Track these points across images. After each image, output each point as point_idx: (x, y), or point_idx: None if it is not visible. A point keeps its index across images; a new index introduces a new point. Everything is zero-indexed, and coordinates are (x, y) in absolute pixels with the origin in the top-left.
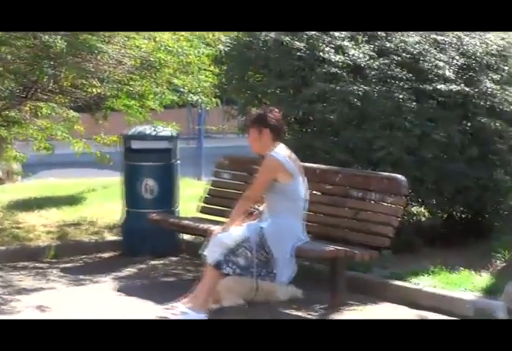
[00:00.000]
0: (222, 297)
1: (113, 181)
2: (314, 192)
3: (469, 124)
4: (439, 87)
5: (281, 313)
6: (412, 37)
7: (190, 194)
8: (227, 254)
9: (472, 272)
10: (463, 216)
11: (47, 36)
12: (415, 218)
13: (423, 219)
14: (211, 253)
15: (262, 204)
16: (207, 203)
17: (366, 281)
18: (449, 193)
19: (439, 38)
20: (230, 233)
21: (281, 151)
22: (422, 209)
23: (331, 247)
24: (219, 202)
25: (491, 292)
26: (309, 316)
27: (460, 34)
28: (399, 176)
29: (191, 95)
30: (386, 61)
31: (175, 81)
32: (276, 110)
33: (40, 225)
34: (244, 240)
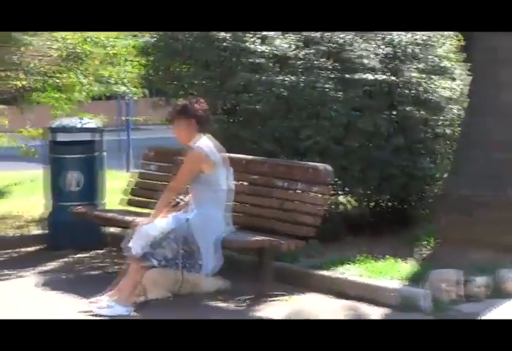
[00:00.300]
0: (148, 290)
1: (41, 174)
2: (241, 183)
3: (394, 113)
4: (364, 76)
5: (207, 305)
6: None
7: (117, 187)
8: (152, 245)
9: (398, 260)
10: (389, 204)
11: None
12: (341, 207)
13: (350, 208)
14: (136, 245)
15: (187, 195)
16: (134, 195)
17: (293, 271)
18: (375, 182)
19: None
20: (154, 225)
21: (206, 142)
22: (349, 198)
23: (257, 237)
24: (146, 194)
25: (416, 280)
26: (235, 308)
27: None
28: (324, 165)
29: (118, 86)
30: (312, 51)
31: (102, 72)
32: (202, 100)
33: None
34: (170, 232)
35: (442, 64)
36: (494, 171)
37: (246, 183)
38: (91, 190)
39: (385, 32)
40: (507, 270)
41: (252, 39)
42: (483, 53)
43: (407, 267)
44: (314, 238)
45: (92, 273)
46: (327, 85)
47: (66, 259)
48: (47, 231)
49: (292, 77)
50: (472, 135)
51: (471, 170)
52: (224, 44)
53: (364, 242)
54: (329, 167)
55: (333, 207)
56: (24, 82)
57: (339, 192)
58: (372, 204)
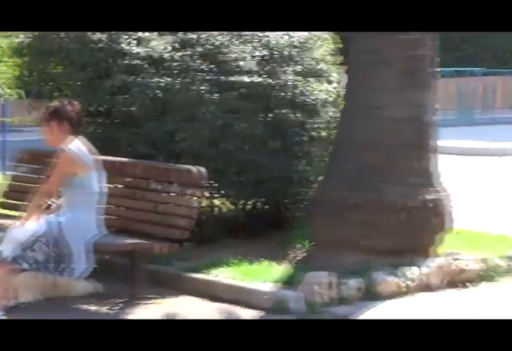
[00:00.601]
0: (19, 293)
1: None
2: (115, 185)
3: (271, 116)
4: (240, 78)
5: (79, 308)
6: None
7: None
8: (24, 249)
9: (273, 263)
10: (265, 207)
11: None
12: (217, 210)
13: (226, 210)
14: (6, 248)
15: (59, 198)
16: (7, 198)
17: (167, 274)
18: (251, 184)
19: None
20: (25, 228)
21: (78, 144)
22: (225, 201)
23: (129, 240)
24: (19, 196)
25: (290, 282)
26: (107, 311)
27: None
28: (198, 168)
29: None
30: (188, 53)
31: None
32: (75, 102)
33: None
34: (41, 235)
35: (318, 67)
36: (367, 173)
37: (120, 186)
38: None
39: (261, 34)
40: (380, 272)
41: (128, 41)
42: (358, 56)
43: (281, 270)
44: (190, 241)
45: None
46: (202, 88)
47: None
48: None
49: (168, 79)
50: (346, 138)
51: (345, 172)
52: (100, 45)
53: (240, 245)
54: (203, 170)
55: (209, 210)
56: None
57: (215, 195)
58: (249, 207)
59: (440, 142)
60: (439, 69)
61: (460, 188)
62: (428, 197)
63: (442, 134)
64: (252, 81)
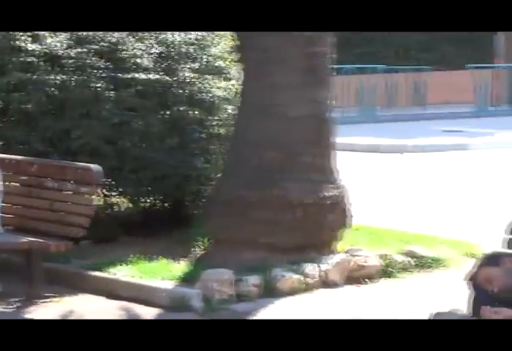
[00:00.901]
0: None
1: None
2: (11, 183)
3: (169, 113)
4: (137, 76)
5: None
6: None
7: None
8: None
9: (171, 261)
10: (164, 204)
11: None
12: (115, 208)
13: (124, 208)
14: None
15: None
16: None
17: (65, 273)
18: (149, 182)
19: None
20: None
21: None
22: (122, 199)
23: (25, 239)
24: None
25: (189, 280)
26: (3, 310)
27: None
28: (94, 166)
29: None
30: (84, 50)
31: None
32: None
33: None
34: None
35: (216, 64)
36: (266, 171)
37: (16, 184)
38: None
39: (157, 31)
40: (279, 269)
41: (23, 38)
42: (253, 53)
43: (179, 267)
44: (88, 239)
45: None
46: (99, 85)
47: None
48: None
49: (64, 76)
50: (244, 135)
51: (244, 169)
52: None
53: (139, 243)
54: (99, 168)
55: (107, 208)
56: None
57: (113, 193)
58: (147, 204)
59: (342, 139)
60: (340, 67)
61: (361, 185)
62: (325, 193)
63: (344, 131)
64: (149, 78)
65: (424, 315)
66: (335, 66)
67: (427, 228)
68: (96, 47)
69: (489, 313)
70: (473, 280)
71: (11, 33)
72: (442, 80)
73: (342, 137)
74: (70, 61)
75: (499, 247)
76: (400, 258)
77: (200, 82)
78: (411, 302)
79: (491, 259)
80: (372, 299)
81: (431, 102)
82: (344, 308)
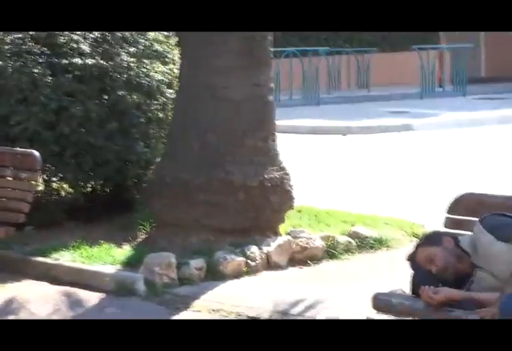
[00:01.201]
0: None
1: None
2: None
3: (107, 98)
4: (74, 61)
5: None
6: None
7: None
8: None
9: (114, 245)
10: (106, 189)
11: None
12: (56, 193)
13: (66, 194)
14: None
15: None
16: None
17: (8, 259)
18: (89, 167)
19: None
20: None
21: None
22: (64, 184)
23: None
24: None
25: (132, 264)
26: None
27: None
28: (33, 151)
29: None
30: (20, 36)
31: None
32: None
33: None
34: None
35: (154, 48)
36: (208, 154)
37: None
38: None
39: None
40: (222, 252)
41: None
42: (193, 36)
43: (122, 252)
44: (30, 225)
45: None
46: (36, 70)
47: None
48: None
49: (1, 63)
50: (184, 119)
51: (185, 153)
52: None
53: (81, 228)
54: (37, 153)
55: (48, 193)
56: None
57: (53, 178)
58: (89, 189)
59: (286, 122)
60: (283, 49)
61: (305, 166)
62: (267, 176)
63: (288, 113)
64: (86, 63)
65: (367, 296)
66: (278, 50)
67: (371, 209)
68: (32, 32)
69: (428, 292)
70: (413, 260)
71: None
72: (387, 61)
73: (286, 119)
74: (6, 47)
75: (441, 227)
76: (343, 239)
77: (138, 67)
78: (354, 283)
79: (431, 239)
80: (315, 280)
81: (376, 84)
82: (288, 289)
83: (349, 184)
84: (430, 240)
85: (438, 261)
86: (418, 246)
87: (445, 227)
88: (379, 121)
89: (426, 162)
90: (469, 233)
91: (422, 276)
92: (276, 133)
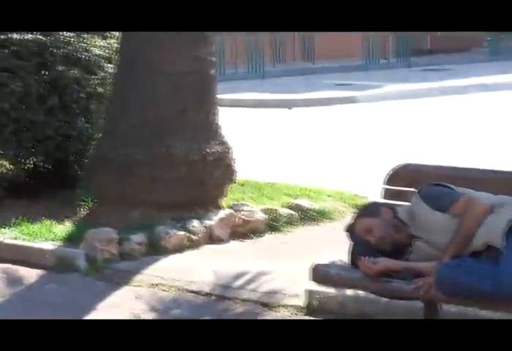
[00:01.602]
0: None
1: None
2: None
3: (47, 73)
4: (11, 36)
5: None
6: None
7: None
8: None
9: (55, 222)
10: (47, 166)
11: None
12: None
13: (7, 170)
14: None
15: None
16: None
17: None
18: (29, 143)
19: None
20: None
21: None
22: (4, 161)
23: None
24: None
25: (73, 240)
26: None
27: None
28: None
29: None
30: None
31: None
32: None
33: None
34: None
35: None
36: (149, 129)
37: None
38: None
39: None
40: (163, 226)
41: None
42: None
43: (64, 228)
44: None
45: None
46: None
47: None
48: None
49: None
50: (124, 93)
51: (126, 128)
52: None
53: (23, 205)
54: None
55: None
56: None
57: None
58: (30, 166)
59: (230, 96)
60: None
61: (248, 140)
62: (209, 150)
63: (233, 87)
64: (24, 38)
65: (308, 268)
66: None
67: (313, 181)
68: None
69: (367, 263)
70: (352, 231)
71: None
72: (331, 34)
73: (231, 93)
74: None
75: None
76: (285, 212)
77: (75, 42)
78: (295, 255)
79: (369, 210)
80: (257, 253)
81: (320, 57)
82: (229, 263)
83: (294, 157)
84: (368, 211)
85: (376, 232)
86: (356, 217)
87: (384, 197)
88: (324, 93)
89: (369, 134)
90: (408, 204)
91: (361, 247)
92: (221, 107)
